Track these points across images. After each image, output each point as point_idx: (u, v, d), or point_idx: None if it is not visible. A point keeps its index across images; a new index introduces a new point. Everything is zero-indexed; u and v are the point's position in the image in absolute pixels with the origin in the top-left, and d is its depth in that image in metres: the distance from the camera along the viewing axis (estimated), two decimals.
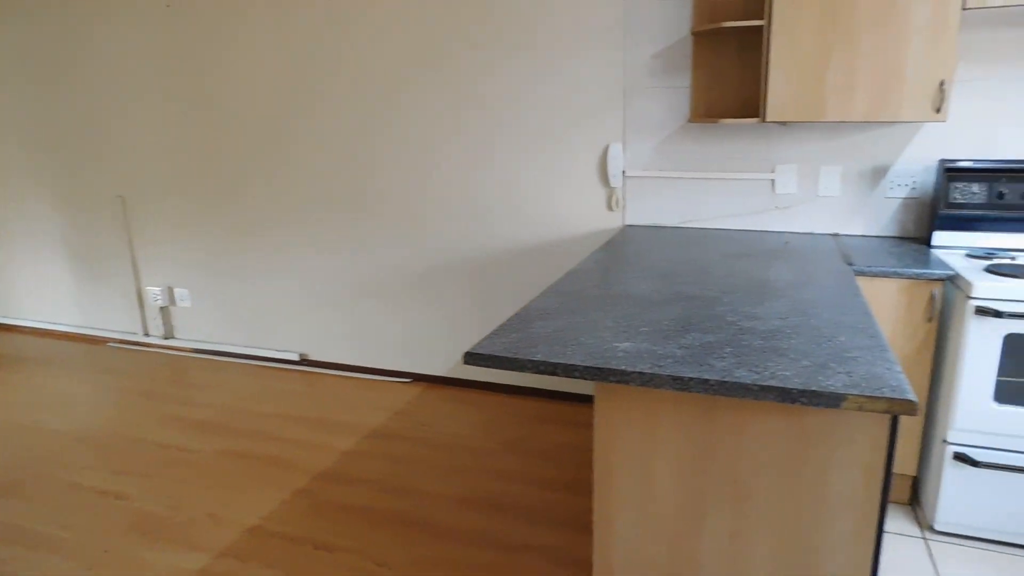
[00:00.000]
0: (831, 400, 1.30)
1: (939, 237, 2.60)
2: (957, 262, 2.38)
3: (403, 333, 3.74)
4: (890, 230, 2.81)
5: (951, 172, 2.54)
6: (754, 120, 2.62)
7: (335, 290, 3.82)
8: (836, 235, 2.84)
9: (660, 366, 1.43)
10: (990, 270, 2.25)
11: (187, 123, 3.88)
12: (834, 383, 1.33)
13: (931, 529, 2.39)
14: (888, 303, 2.34)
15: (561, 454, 2.99)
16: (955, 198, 2.55)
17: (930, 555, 2.26)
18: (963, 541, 2.33)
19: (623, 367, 1.42)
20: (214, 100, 3.77)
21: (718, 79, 2.85)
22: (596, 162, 3.11)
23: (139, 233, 4.25)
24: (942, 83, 2.34)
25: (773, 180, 2.89)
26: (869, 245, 2.65)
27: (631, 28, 2.92)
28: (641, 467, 1.55)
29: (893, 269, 2.31)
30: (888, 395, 1.28)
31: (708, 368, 1.41)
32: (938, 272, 2.27)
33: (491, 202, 3.33)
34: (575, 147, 3.12)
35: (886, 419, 1.36)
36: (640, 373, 1.40)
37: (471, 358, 1.54)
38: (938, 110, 2.36)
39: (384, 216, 3.57)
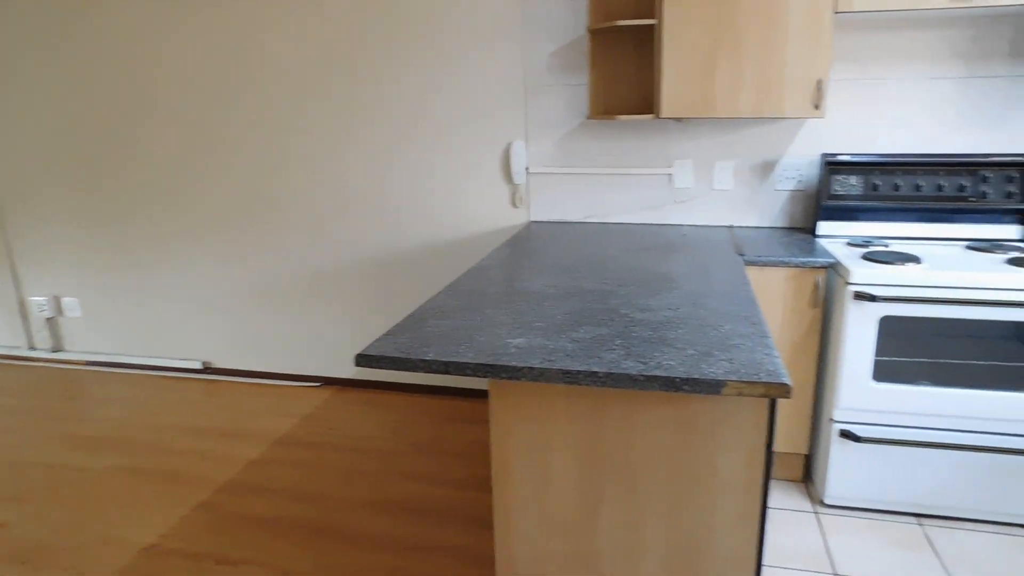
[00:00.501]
0: (712, 387, 1.35)
1: (823, 227, 2.74)
2: (838, 250, 2.52)
3: (310, 336, 3.65)
4: (780, 221, 2.94)
5: (832, 166, 2.69)
6: (650, 116, 2.69)
7: (239, 294, 3.69)
8: (731, 227, 2.96)
9: (551, 360, 1.44)
10: (866, 257, 2.39)
11: (72, 123, 3.65)
12: (716, 370, 1.38)
13: (822, 503, 2.53)
14: (777, 291, 2.45)
15: (473, 452, 2.98)
16: (836, 190, 2.69)
17: (820, 528, 2.39)
18: (851, 513, 2.47)
19: (514, 363, 1.43)
20: (102, 98, 3.56)
21: (615, 76, 2.91)
22: (500, 159, 3.11)
23: (19, 239, 3.97)
24: (819, 82, 2.46)
25: (671, 175, 2.97)
26: (760, 236, 2.77)
27: (529, 26, 2.94)
28: (537, 461, 1.56)
29: (781, 259, 2.41)
30: (765, 380, 1.34)
31: (598, 360, 1.43)
32: (821, 260, 2.39)
33: (397, 201, 3.29)
34: (479, 145, 3.12)
35: (765, 402, 1.42)
36: (531, 368, 1.41)
37: (363, 360, 1.51)
38: (817, 107, 2.49)
39: (289, 219, 3.47)
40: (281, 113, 3.32)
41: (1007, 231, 2.63)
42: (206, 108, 3.42)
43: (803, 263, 2.40)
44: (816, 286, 2.42)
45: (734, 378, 1.35)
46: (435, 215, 3.26)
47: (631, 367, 1.40)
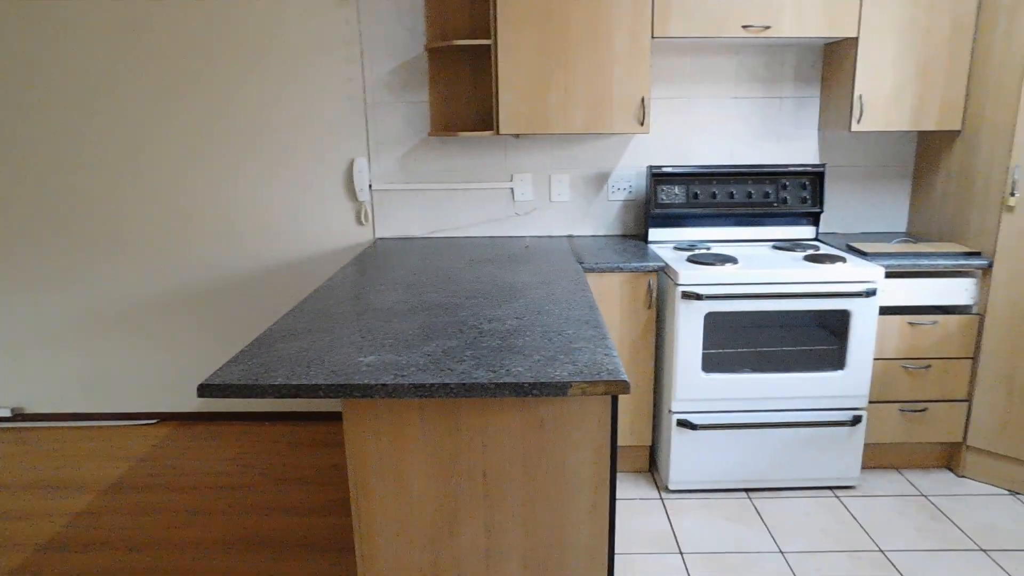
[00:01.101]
0: (559, 389, 1.43)
1: (654, 233, 2.97)
2: (667, 254, 2.74)
3: (144, 369, 3.37)
4: (615, 229, 3.14)
5: (657, 177, 2.92)
6: (489, 133, 2.78)
7: (56, 330, 3.34)
8: (571, 236, 3.12)
9: (403, 376, 1.45)
10: (691, 260, 2.62)
11: None
12: (561, 373, 1.46)
13: (667, 489, 2.72)
14: (615, 294, 2.62)
15: (330, 476, 2.91)
16: (662, 199, 2.93)
17: (666, 512, 2.57)
18: (692, 495, 2.69)
19: (367, 381, 1.43)
20: None
21: (455, 94, 2.98)
22: (343, 176, 3.07)
23: None
24: (643, 100, 2.67)
25: (512, 189, 3.08)
26: (598, 244, 2.94)
27: (368, 44, 2.94)
28: (395, 477, 1.56)
29: (617, 264, 2.58)
30: (606, 378, 1.44)
31: (449, 372, 1.47)
32: (652, 264, 2.59)
33: (239, 221, 3.14)
34: (322, 162, 3.06)
35: (607, 399, 1.52)
36: (384, 385, 1.42)
37: (206, 390, 1.44)
38: (642, 123, 2.70)
39: (117, 244, 3.20)
40: (106, 131, 3.06)
41: (804, 231, 2.99)
42: (14, 125, 3.07)
43: (637, 268, 2.59)
44: (649, 288, 2.62)
45: (578, 379, 1.43)
46: (279, 234, 3.15)
47: (482, 376, 1.44)
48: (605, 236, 3.13)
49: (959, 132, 2.77)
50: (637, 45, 2.63)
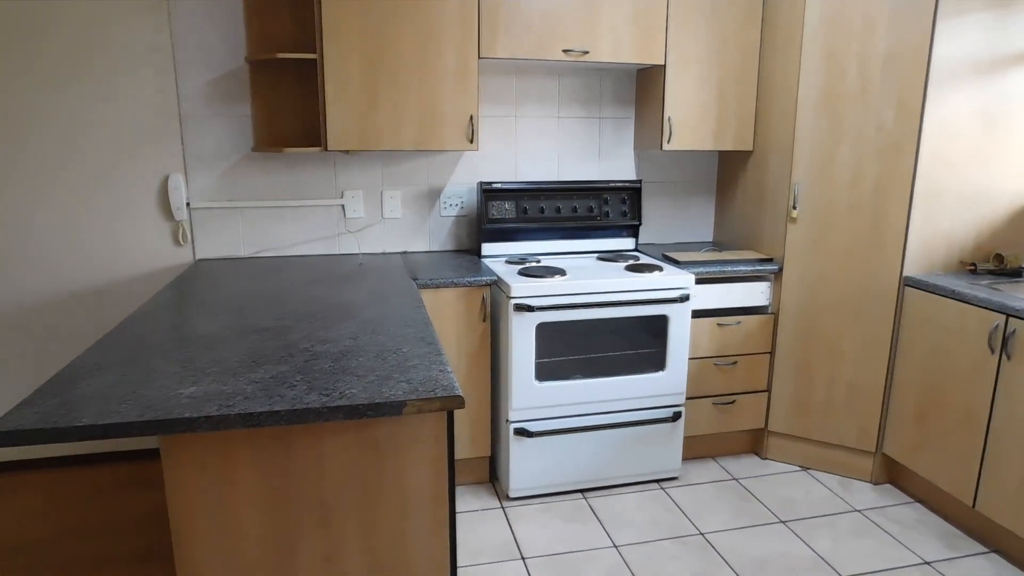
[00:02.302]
0: (394, 408, 1.42)
1: (486, 248, 3.04)
2: (499, 268, 2.82)
3: None
4: (449, 245, 3.18)
5: (488, 192, 3.00)
6: (317, 149, 2.71)
7: None
8: (404, 253, 3.11)
9: (229, 406, 1.38)
10: (522, 273, 2.71)
11: None
12: (396, 392, 1.46)
13: (507, 498, 2.79)
14: (451, 309, 2.65)
15: (148, 520, 2.67)
16: (493, 214, 3.01)
17: (507, 520, 2.63)
18: (532, 501, 2.77)
19: (188, 415, 1.34)
20: None
21: (280, 108, 2.88)
22: (157, 194, 2.85)
23: None
24: (471, 117, 2.74)
25: (343, 206, 3.03)
26: (432, 260, 2.96)
27: (182, 53, 2.76)
28: (224, 515, 1.48)
29: (451, 279, 2.62)
30: (441, 395, 1.46)
31: (279, 399, 1.41)
32: (485, 279, 2.65)
33: (42, 243, 2.80)
34: (133, 179, 2.82)
35: (443, 415, 1.54)
36: (208, 418, 1.34)
37: None
38: (471, 140, 2.76)
39: None
40: None
41: (626, 243, 3.21)
42: None
43: (471, 282, 2.64)
44: (483, 302, 2.68)
45: (413, 397, 1.44)
46: (89, 257, 2.85)
47: (314, 401, 1.41)
48: (439, 252, 3.16)
49: (751, 152, 3.11)
50: (465, 64, 2.69)
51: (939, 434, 2.58)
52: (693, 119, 2.98)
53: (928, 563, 2.40)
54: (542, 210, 3.06)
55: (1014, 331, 2.27)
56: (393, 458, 1.53)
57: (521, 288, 2.57)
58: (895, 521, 2.64)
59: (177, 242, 2.91)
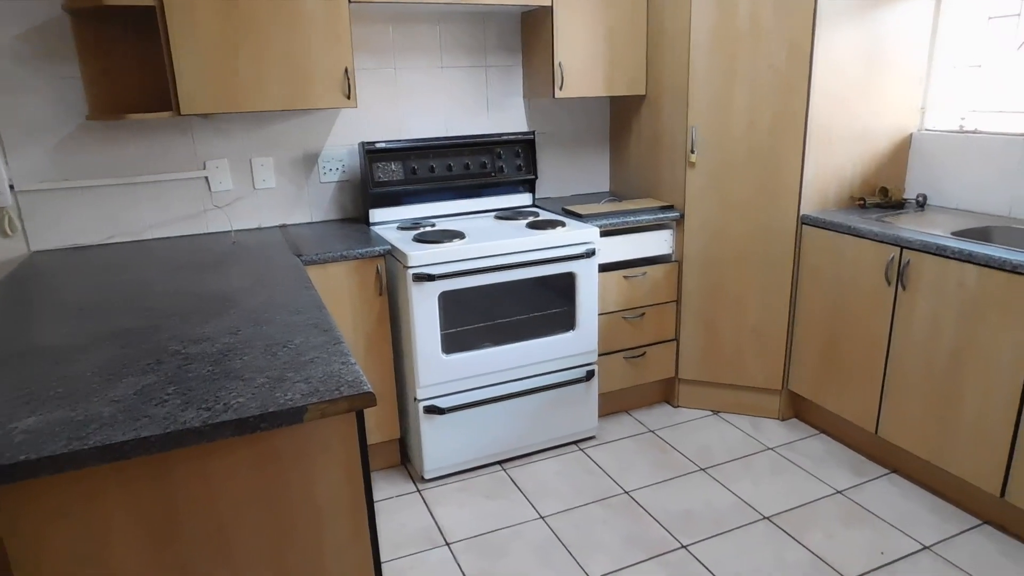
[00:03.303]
0: (292, 416, 1.21)
1: (374, 214, 2.79)
2: (392, 235, 2.59)
3: None
4: (333, 214, 2.90)
5: (372, 154, 2.73)
6: (168, 114, 2.34)
7: None
8: (283, 226, 2.81)
9: (82, 438, 1.11)
10: (418, 239, 2.50)
11: None
12: (293, 396, 1.24)
13: (422, 480, 2.62)
14: (344, 286, 2.41)
15: None
16: (380, 177, 2.76)
17: (425, 503, 2.47)
18: (449, 479, 2.62)
19: (24, 456, 1.06)
20: None
21: (117, 67, 2.46)
22: None
23: None
24: (346, 70, 2.45)
25: (207, 178, 2.67)
26: (315, 232, 2.68)
27: None
28: (92, 568, 1.21)
29: (340, 253, 2.36)
30: (347, 393, 1.25)
31: (148, 421, 1.16)
32: (378, 249, 2.42)
33: None
34: None
35: (352, 416, 1.33)
36: (52, 458, 1.06)
37: None
38: (349, 96, 2.48)
39: None
40: None
41: (523, 199, 3.05)
42: None
43: (362, 254, 2.40)
44: (378, 274, 2.45)
45: (315, 399, 1.23)
46: None
47: (193, 419, 1.16)
48: (322, 222, 2.87)
49: (644, 97, 3.01)
50: (334, 11, 2.39)
51: (842, 367, 2.64)
52: (584, 64, 2.83)
53: (840, 492, 2.46)
54: (432, 169, 2.83)
55: (908, 262, 2.33)
56: (298, 470, 1.31)
57: (419, 256, 2.36)
58: (805, 455, 2.70)
59: (4, 233, 2.45)
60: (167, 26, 2.21)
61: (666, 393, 3.17)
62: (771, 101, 2.62)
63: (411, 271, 2.36)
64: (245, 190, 2.73)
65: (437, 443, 2.56)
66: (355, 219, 2.91)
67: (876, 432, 2.54)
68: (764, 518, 2.33)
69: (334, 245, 2.45)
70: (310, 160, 2.80)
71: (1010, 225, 2.47)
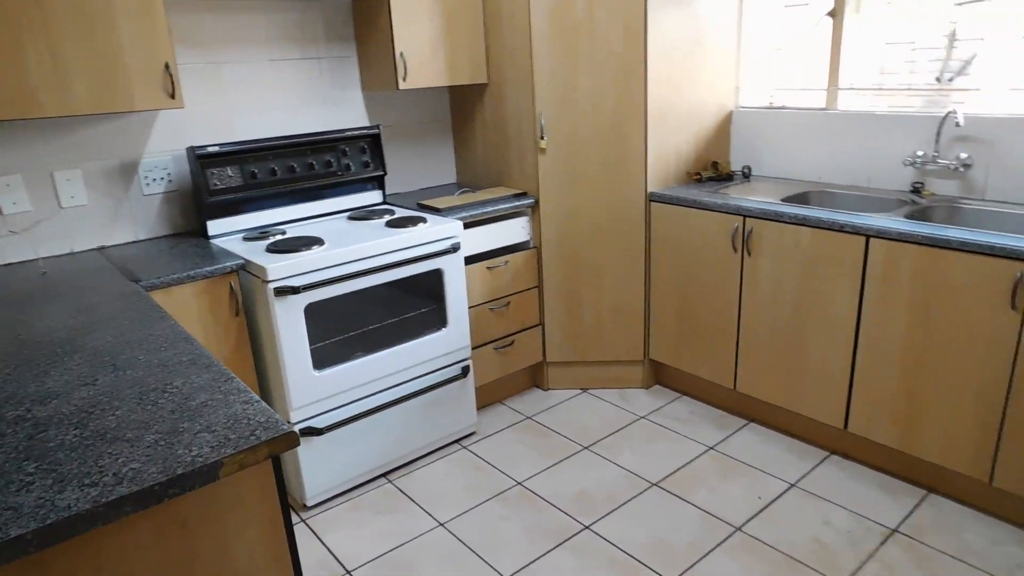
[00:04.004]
0: (207, 475, 1.03)
1: (213, 226, 2.51)
2: (239, 247, 2.34)
3: None
4: (161, 230, 2.56)
5: (203, 159, 2.44)
6: None
7: None
8: (103, 248, 2.43)
9: None
10: (272, 249, 2.28)
11: None
12: (200, 451, 1.06)
13: (305, 507, 2.42)
14: (193, 310, 2.13)
15: None
16: (215, 184, 2.47)
17: (314, 532, 2.29)
18: (334, 502, 2.45)
19: None
20: None
21: None
22: None
23: None
24: (167, 66, 2.16)
25: None
26: (146, 252, 2.35)
27: None
28: None
29: (185, 273, 2.09)
30: (265, 438, 1.09)
31: (13, 515, 0.93)
32: (229, 264, 2.17)
33: None
34: None
35: (268, 463, 1.17)
36: None
37: None
38: (173, 96, 2.19)
39: None
40: None
41: (373, 196, 2.90)
42: None
43: (211, 272, 2.14)
44: (232, 292, 2.20)
45: (230, 451, 1.06)
46: None
47: (78, 500, 0.95)
48: (150, 240, 2.53)
49: (487, 85, 2.98)
50: None
51: (698, 332, 2.83)
52: (426, 54, 2.73)
53: (711, 447, 2.65)
54: (274, 172, 2.60)
55: (751, 230, 2.53)
56: (209, 534, 1.13)
57: (279, 267, 2.15)
58: (673, 418, 2.87)
59: None
60: None
61: (536, 378, 3.21)
62: (613, 85, 2.71)
63: (271, 285, 2.14)
64: (50, 210, 2.32)
65: (316, 466, 2.38)
66: (189, 233, 2.59)
67: (735, 388, 2.76)
68: (652, 485, 2.44)
69: (173, 265, 2.16)
70: (128, 170, 2.44)
71: (823, 190, 2.77)
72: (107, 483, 0.99)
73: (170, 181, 2.53)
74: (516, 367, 3.02)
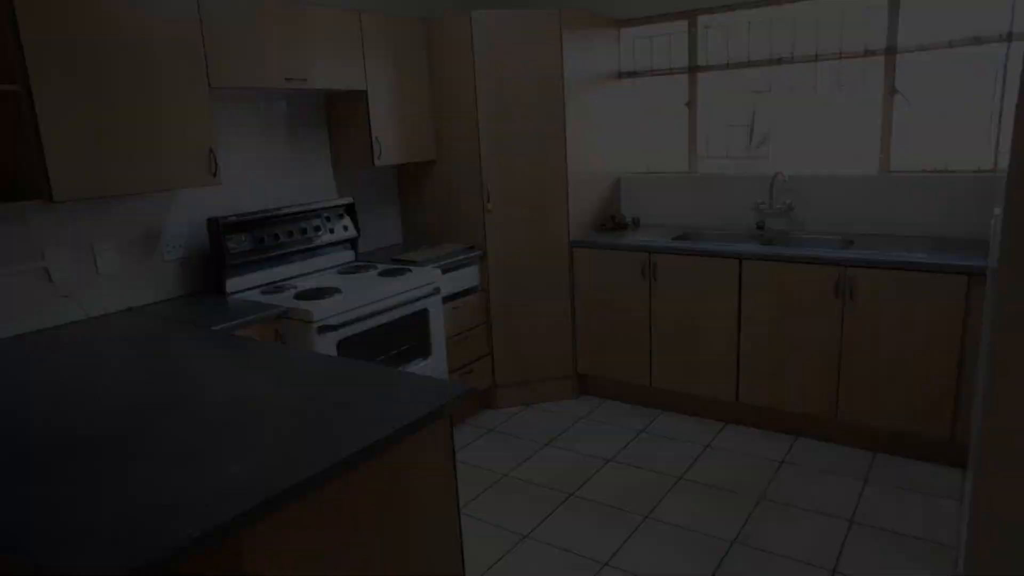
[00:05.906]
0: (433, 417, 1.59)
1: (231, 284, 2.90)
2: (264, 299, 2.77)
3: None
4: (177, 290, 2.90)
5: (226, 227, 2.86)
6: (38, 201, 2.22)
7: None
8: (131, 309, 2.74)
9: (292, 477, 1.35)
10: (300, 297, 2.75)
11: None
12: (417, 407, 1.61)
13: None
14: None
15: None
16: (233, 248, 2.89)
17: None
18: None
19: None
20: None
21: None
22: None
23: None
24: (211, 150, 2.61)
25: (47, 268, 2.50)
26: (179, 310, 2.70)
27: None
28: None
29: (245, 319, 2.50)
30: (449, 397, 1.67)
31: (334, 445, 1.43)
32: (275, 310, 2.61)
33: None
34: None
35: (447, 419, 1.72)
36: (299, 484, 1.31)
37: None
38: (214, 175, 2.63)
39: None
40: None
41: (348, 256, 3.42)
42: None
43: (264, 317, 2.56)
44: (276, 334, 2.63)
45: (445, 399, 1.62)
46: None
47: (376, 432, 1.47)
48: (173, 299, 2.86)
49: (435, 161, 3.66)
50: (195, 93, 2.54)
51: (617, 343, 3.63)
52: (395, 136, 3.37)
53: (642, 431, 3.42)
54: (276, 236, 3.06)
55: (655, 262, 3.41)
56: (412, 466, 1.66)
57: (321, 310, 2.64)
58: (606, 416, 3.62)
59: None
60: (37, 113, 2.15)
61: (488, 399, 3.82)
62: (542, 160, 3.52)
63: (315, 324, 2.62)
64: (88, 276, 2.61)
65: None
66: (203, 292, 2.96)
67: (651, 385, 3.58)
68: (608, 460, 3.15)
69: (224, 315, 2.56)
70: (152, 238, 2.79)
71: (697, 231, 3.75)
72: (384, 424, 1.52)
73: (187, 248, 2.90)
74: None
